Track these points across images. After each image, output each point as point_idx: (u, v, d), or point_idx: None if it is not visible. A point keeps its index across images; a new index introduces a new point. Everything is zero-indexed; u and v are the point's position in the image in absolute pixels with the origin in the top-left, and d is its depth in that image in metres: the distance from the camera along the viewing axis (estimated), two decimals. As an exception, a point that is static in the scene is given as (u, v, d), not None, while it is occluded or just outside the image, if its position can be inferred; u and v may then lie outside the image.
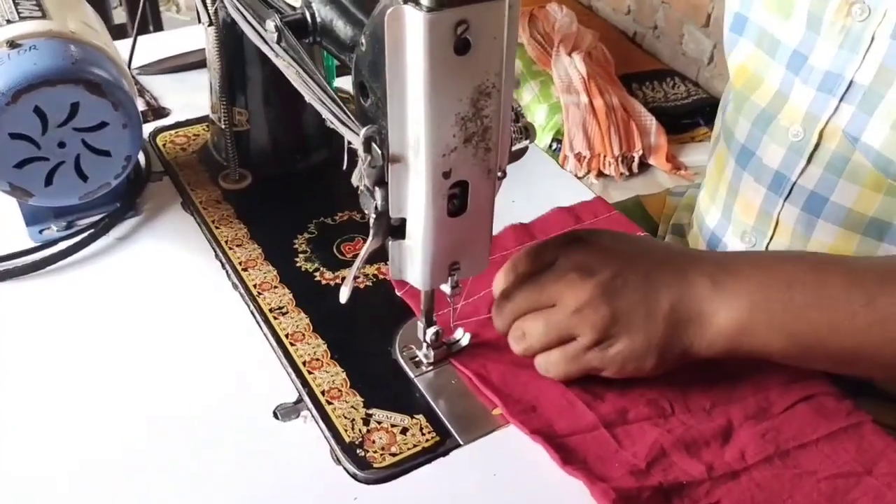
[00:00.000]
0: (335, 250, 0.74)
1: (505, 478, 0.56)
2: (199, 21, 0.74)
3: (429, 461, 0.57)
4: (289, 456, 0.57)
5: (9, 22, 0.66)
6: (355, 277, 0.55)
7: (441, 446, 0.58)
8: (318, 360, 0.63)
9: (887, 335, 0.56)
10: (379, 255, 0.56)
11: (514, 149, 0.54)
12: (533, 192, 0.82)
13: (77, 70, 0.64)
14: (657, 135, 2.08)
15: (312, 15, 0.56)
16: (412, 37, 0.44)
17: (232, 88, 0.78)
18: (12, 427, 0.59)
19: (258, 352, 0.65)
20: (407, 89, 0.46)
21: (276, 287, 0.70)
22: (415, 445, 0.58)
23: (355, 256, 0.73)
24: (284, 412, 0.60)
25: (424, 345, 0.63)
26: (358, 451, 0.57)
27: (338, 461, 0.57)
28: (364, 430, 0.58)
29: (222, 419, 0.60)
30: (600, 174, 2.06)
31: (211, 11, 0.72)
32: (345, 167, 0.52)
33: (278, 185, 0.81)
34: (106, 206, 0.76)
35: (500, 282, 0.62)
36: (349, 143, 0.50)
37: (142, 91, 0.95)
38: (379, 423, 0.59)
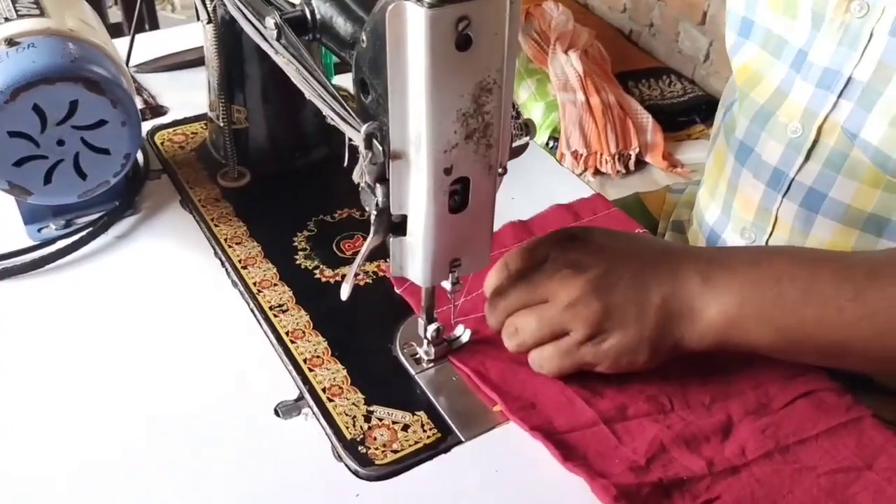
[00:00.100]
0: (335, 248, 0.74)
1: (506, 474, 0.56)
2: (199, 18, 0.74)
3: (430, 458, 0.57)
4: (290, 454, 0.57)
5: (7, 20, 0.66)
6: (356, 275, 0.55)
7: (442, 443, 0.58)
8: (318, 357, 0.63)
9: (876, 329, 0.56)
10: (379, 252, 0.56)
11: (514, 145, 0.54)
12: (532, 189, 0.82)
13: (76, 68, 0.64)
14: (653, 132, 2.08)
15: (312, 12, 0.56)
16: (413, 33, 0.44)
17: (230, 86, 0.78)
18: (11, 426, 0.59)
19: (258, 350, 0.65)
20: (408, 85, 0.46)
21: (275, 285, 0.70)
22: (416, 442, 0.58)
23: (355, 254, 0.73)
24: (285, 410, 0.60)
25: (425, 341, 0.63)
26: (359, 448, 0.57)
27: (339, 458, 0.57)
28: (365, 427, 0.58)
29: (223, 417, 0.60)
30: (597, 172, 2.06)
31: (210, 9, 0.72)
32: (346, 164, 0.52)
33: (277, 183, 0.81)
34: (104, 205, 0.75)
35: (492, 280, 0.62)
36: (350, 139, 0.50)
37: (139, 89, 0.95)
38: (380, 420, 0.59)
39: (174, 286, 0.70)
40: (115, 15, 2.29)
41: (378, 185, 0.51)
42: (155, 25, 2.07)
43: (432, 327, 0.62)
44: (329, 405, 0.60)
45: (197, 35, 0.77)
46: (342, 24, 0.55)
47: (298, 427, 0.59)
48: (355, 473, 0.56)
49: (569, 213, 0.79)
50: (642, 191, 1.06)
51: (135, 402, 0.61)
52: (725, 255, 0.62)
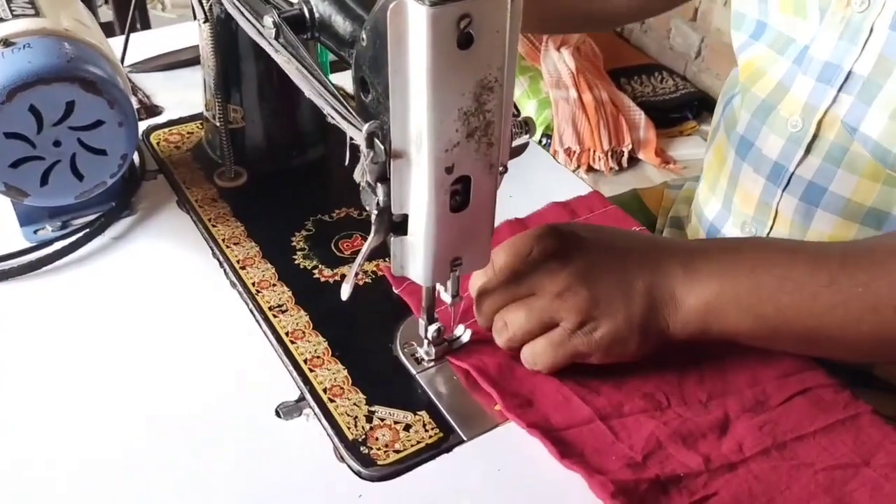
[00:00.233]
0: (333, 247, 0.74)
1: (509, 473, 0.56)
2: (195, 17, 0.73)
3: (432, 457, 0.57)
4: (291, 454, 0.57)
5: (1, 20, 0.66)
6: (356, 274, 0.55)
7: (444, 442, 0.58)
8: (318, 357, 0.63)
9: (850, 315, 0.57)
10: (378, 252, 0.55)
11: (514, 144, 0.54)
12: (529, 187, 0.82)
13: (72, 68, 0.64)
14: (646, 129, 2.09)
15: (311, 10, 0.56)
16: (415, 31, 0.44)
17: (227, 85, 0.77)
18: (11, 427, 0.59)
19: (258, 350, 0.65)
20: (409, 84, 0.46)
21: (274, 285, 0.69)
22: (418, 442, 0.57)
23: (353, 253, 0.73)
24: (286, 410, 0.60)
25: (426, 341, 0.62)
26: (361, 448, 0.57)
27: (341, 459, 0.57)
28: (367, 427, 0.58)
29: (223, 418, 0.59)
30: (590, 169, 2.06)
31: (206, 8, 0.72)
32: (347, 163, 0.52)
33: (274, 183, 0.81)
34: (101, 206, 0.75)
35: (477, 279, 0.62)
36: (351, 139, 0.50)
37: (134, 89, 0.94)
38: (382, 420, 0.59)
39: (172, 287, 0.70)
40: (106, 14, 2.27)
41: (379, 185, 0.50)
42: (146, 24, 2.06)
43: (433, 327, 0.62)
44: (330, 406, 0.59)
45: (191, 34, 0.76)
46: (341, 23, 0.54)
47: (300, 428, 0.59)
48: (358, 474, 0.56)
49: (566, 210, 0.79)
50: (637, 187, 1.06)
51: (135, 402, 0.60)
52: (706, 245, 0.63)
